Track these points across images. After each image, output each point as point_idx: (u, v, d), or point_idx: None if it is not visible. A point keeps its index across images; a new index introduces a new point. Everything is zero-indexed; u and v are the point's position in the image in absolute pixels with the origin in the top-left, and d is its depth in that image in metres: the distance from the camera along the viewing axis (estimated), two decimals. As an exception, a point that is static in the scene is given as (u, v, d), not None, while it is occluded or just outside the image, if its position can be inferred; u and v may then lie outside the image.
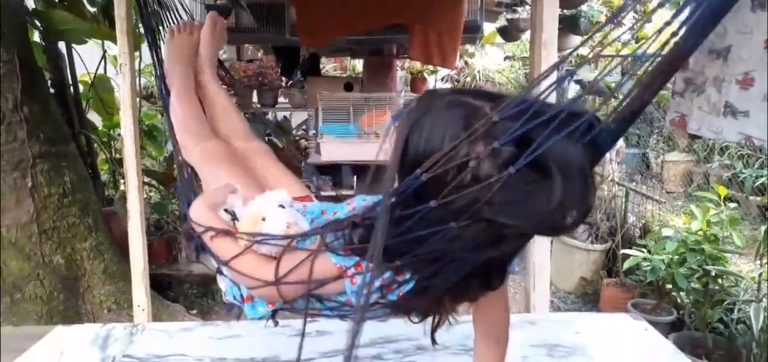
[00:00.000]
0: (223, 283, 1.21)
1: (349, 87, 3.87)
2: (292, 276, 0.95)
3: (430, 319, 1.03)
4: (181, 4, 1.98)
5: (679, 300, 3.53)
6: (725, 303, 3.20)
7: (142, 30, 3.75)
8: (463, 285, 0.90)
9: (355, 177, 3.80)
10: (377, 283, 0.88)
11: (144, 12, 1.83)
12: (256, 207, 1.07)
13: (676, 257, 3.18)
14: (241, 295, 1.16)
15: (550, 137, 0.72)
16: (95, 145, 3.71)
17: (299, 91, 4.70)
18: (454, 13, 3.19)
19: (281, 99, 5.20)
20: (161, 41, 1.78)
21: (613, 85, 0.88)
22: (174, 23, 1.82)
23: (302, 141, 5.49)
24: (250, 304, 1.14)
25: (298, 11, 3.19)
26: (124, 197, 2.51)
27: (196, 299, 3.91)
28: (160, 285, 3.56)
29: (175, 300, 3.54)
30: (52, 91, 3.24)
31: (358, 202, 1.15)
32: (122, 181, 3.65)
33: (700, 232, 3.17)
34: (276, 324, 1.23)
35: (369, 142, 3.57)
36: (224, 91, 1.70)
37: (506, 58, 6.19)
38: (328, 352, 1.68)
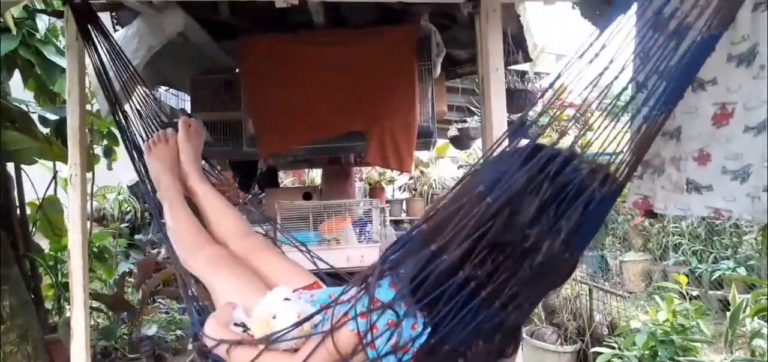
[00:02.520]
0: None
1: (308, 196, 3.86)
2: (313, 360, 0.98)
3: None
4: (157, 118, 1.98)
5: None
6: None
7: (96, 150, 3.73)
8: (478, 349, 0.95)
9: (337, 281, 3.69)
10: (398, 341, 0.91)
11: (126, 134, 1.81)
12: (262, 310, 1.11)
13: (647, 352, 3.14)
14: None
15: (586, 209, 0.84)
16: (40, 268, 3.51)
17: (257, 207, 4.65)
18: (408, 120, 3.27)
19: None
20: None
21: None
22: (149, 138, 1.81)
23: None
24: None
25: (255, 124, 3.21)
26: (68, 323, 2.33)
27: (146, 433, 3.60)
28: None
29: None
30: (-3, 213, 3.09)
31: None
32: (68, 307, 3.44)
33: (668, 323, 3.16)
34: None
35: (331, 249, 3.51)
36: (214, 190, 1.68)
37: (459, 166, 6.36)
38: None
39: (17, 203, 3.34)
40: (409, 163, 3.41)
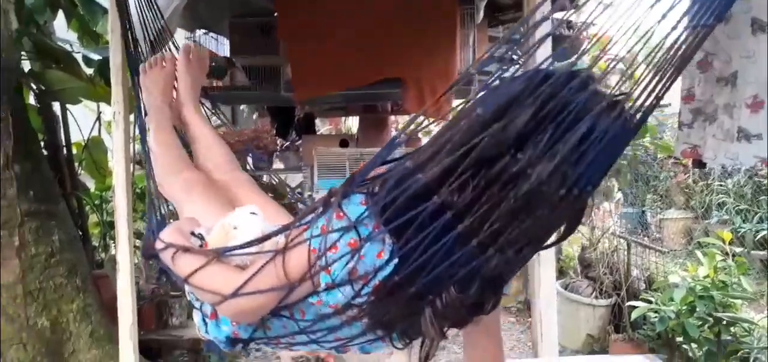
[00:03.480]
0: (196, 317, 1.14)
1: (344, 143, 3.85)
2: (253, 284, 0.88)
3: (416, 348, 0.94)
4: (162, 40, 1.96)
5: (691, 354, 3.40)
6: (740, 353, 3.09)
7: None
8: (449, 298, 0.81)
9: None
10: (358, 268, 0.80)
11: (130, 52, 1.80)
12: (226, 220, 1.02)
13: (685, 306, 3.08)
14: (207, 315, 1.08)
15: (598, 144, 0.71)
16: (86, 207, 3.63)
17: (294, 154, 4.68)
18: (447, 66, 3.21)
19: (276, 163, 5.19)
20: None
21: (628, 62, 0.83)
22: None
23: (298, 203, 5.43)
24: (214, 322, 1.06)
25: (293, 67, 3.21)
26: (114, 259, 2.41)
27: (187, 365, 3.74)
28: (149, 352, 3.41)
29: (166, 368, 3.39)
30: (44, 152, 3.19)
31: None
32: (113, 244, 3.56)
33: (708, 279, 3.09)
34: (247, 353, 1.15)
35: (366, 198, 3.51)
36: (208, 126, 1.65)
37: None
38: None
39: (64, 142, 3.44)
40: (448, 112, 3.36)
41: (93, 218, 3.82)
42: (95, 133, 3.66)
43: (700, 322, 3.04)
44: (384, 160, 0.87)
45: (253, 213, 1.02)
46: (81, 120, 3.66)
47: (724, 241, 3.25)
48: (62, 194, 3.11)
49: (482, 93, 0.81)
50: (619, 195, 5.16)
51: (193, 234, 1.04)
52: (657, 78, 0.77)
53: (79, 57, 3.14)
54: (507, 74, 0.84)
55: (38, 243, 2.66)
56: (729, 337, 3.09)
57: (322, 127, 6.25)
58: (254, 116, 5.03)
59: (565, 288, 4.24)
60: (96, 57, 3.09)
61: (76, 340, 2.72)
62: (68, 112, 3.47)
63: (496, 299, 0.87)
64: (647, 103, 0.77)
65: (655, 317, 3.27)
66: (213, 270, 0.95)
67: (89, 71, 3.13)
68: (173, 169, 1.42)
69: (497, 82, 0.82)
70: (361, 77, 3.17)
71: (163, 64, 1.65)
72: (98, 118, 3.67)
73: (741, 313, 3.21)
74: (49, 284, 2.67)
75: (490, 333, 0.99)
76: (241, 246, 0.94)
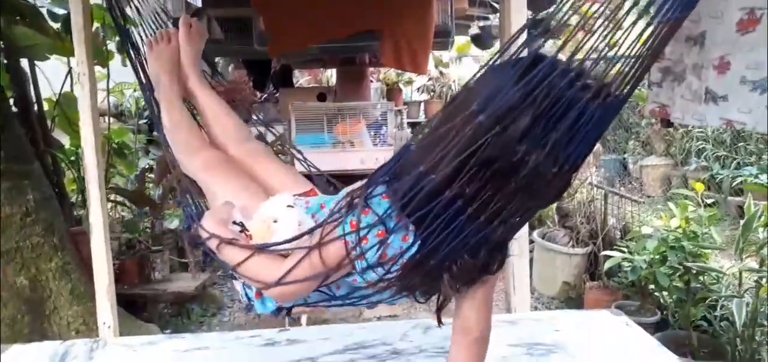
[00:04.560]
0: (238, 285, 1.26)
1: (322, 97, 3.83)
2: (296, 273, 0.99)
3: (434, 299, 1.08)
4: (159, 16, 1.93)
5: (662, 301, 3.51)
6: (708, 300, 3.19)
7: (110, 46, 3.71)
8: (463, 263, 0.96)
9: (331, 187, 3.74)
10: (387, 253, 0.93)
11: (122, 30, 1.76)
12: (265, 212, 1.12)
13: (657, 256, 3.16)
14: (253, 294, 1.20)
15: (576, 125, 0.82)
16: (62, 164, 3.59)
17: (273, 106, 4.64)
18: (424, 18, 3.16)
19: (254, 118, 5.14)
20: (144, 57, 1.70)
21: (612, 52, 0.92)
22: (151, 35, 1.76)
23: (279, 155, 5.43)
24: (260, 300, 1.18)
25: (265, 21, 3.14)
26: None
27: (171, 318, 3.80)
28: (133, 306, 3.45)
29: (149, 320, 3.43)
30: (14, 109, 3.14)
31: None
32: (91, 201, 3.54)
33: (680, 230, 3.16)
34: (291, 318, 1.25)
35: (345, 151, 3.52)
36: (214, 94, 1.63)
37: (481, 66, 6.18)
38: (299, 361, 1.62)
39: (34, 99, 3.38)
40: (425, 65, 3.33)
41: (69, 174, 3.79)
42: (67, 88, 3.59)
43: (671, 271, 3.13)
44: (396, 161, 0.97)
45: (290, 206, 1.11)
46: (51, 75, 3.59)
47: (697, 192, 3.31)
48: (36, 152, 3.08)
49: (480, 89, 0.89)
50: (598, 146, 5.20)
51: (234, 223, 1.13)
52: (634, 66, 0.89)
53: (44, 11, 3.06)
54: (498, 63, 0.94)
55: (12, 202, 2.64)
56: (698, 285, 3.18)
57: (301, 78, 6.19)
58: (230, 68, 4.95)
59: (543, 237, 4.31)
60: (61, 11, 3.00)
61: (56, 298, 2.74)
62: (37, 68, 3.40)
63: (501, 259, 1.01)
64: (627, 88, 0.89)
65: (628, 266, 3.35)
66: (257, 261, 1.05)
67: (56, 26, 3.06)
68: (190, 149, 1.46)
69: (491, 75, 0.91)
70: (336, 30, 3.11)
71: (168, 39, 1.64)
72: (69, 73, 3.59)
73: (711, 263, 3.29)
74: (27, 243, 2.68)
75: (483, 299, 1.10)
76: (282, 243, 1.04)
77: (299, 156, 1.72)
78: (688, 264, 3.05)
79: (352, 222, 0.94)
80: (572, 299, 4.18)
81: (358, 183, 1.05)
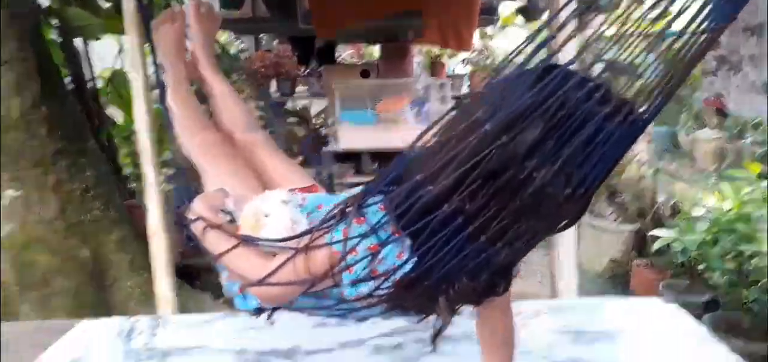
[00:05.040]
0: (222, 276, 1.20)
1: (365, 74, 3.83)
2: (279, 276, 0.94)
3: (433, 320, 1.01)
4: None
5: (712, 281, 3.43)
6: (761, 282, 3.10)
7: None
8: (462, 286, 0.88)
9: (375, 163, 3.78)
10: (379, 268, 0.86)
11: (142, 4, 1.79)
12: (258, 205, 1.06)
13: (709, 237, 3.08)
14: (235, 289, 1.14)
15: (592, 145, 0.73)
16: (116, 140, 3.73)
17: (317, 80, 4.67)
18: (470, -2, 3.12)
19: (299, 87, 5.20)
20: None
21: (638, 62, 0.82)
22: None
23: (322, 128, 5.49)
24: (242, 296, 1.12)
25: (311, 1, 3.16)
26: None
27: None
28: (188, 276, 3.58)
29: (204, 290, 3.55)
30: (70, 88, 3.26)
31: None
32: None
33: (733, 212, 3.07)
34: (272, 322, 1.20)
35: (387, 129, 3.53)
36: (224, 79, 1.64)
37: (528, 37, 6.02)
38: (348, 342, 1.66)
39: (88, 77, 3.50)
40: (470, 43, 3.30)
41: (123, 149, 3.93)
42: (118, 65, 3.70)
43: (722, 253, 3.05)
44: (399, 165, 0.89)
45: (285, 202, 1.05)
46: (104, 52, 3.71)
47: (751, 173, 3.20)
48: (91, 129, 3.20)
49: (487, 96, 0.81)
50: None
51: (224, 211, 1.08)
52: (663, 80, 0.79)
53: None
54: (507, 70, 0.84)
55: (72, 180, 2.77)
56: (751, 268, 3.10)
57: (344, 51, 6.18)
58: (275, 42, 5.00)
59: (590, 213, 4.25)
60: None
61: (116, 269, 2.89)
62: (88, 45, 3.51)
63: (507, 283, 0.94)
64: (653, 106, 0.79)
65: (678, 246, 3.28)
66: (241, 254, 1.00)
67: (107, 5, 3.14)
68: (191, 129, 1.43)
69: (501, 81, 0.82)
70: (380, 8, 3.11)
71: (173, 19, 1.63)
72: (120, 50, 3.70)
73: (764, 247, 3.19)
74: (87, 217, 2.81)
75: (502, 308, 1.05)
76: (269, 240, 0.99)
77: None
78: (741, 248, 2.97)
79: (344, 229, 0.87)
80: (619, 276, 4.13)
81: (359, 188, 0.99)
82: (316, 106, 5.65)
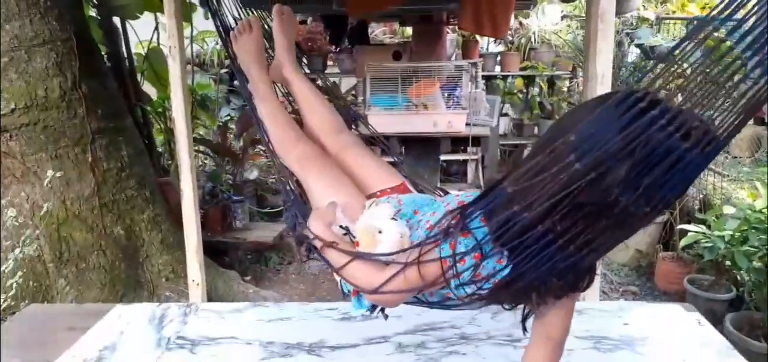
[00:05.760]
0: (337, 278, 1.31)
1: (397, 56, 3.82)
2: (393, 285, 1.06)
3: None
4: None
5: (738, 278, 3.40)
6: (789, 284, 3.06)
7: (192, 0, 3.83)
8: (553, 281, 0.99)
9: (402, 147, 3.80)
10: (481, 273, 0.98)
11: (216, 16, 1.83)
12: (369, 221, 1.18)
13: (737, 234, 3.05)
14: (349, 290, 1.26)
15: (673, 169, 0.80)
16: (151, 116, 3.81)
17: (348, 57, 4.68)
18: (508, -17, 3.08)
19: (330, 64, 5.22)
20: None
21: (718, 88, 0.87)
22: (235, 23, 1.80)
23: (352, 107, 5.50)
24: (357, 298, 1.23)
25: (344, -20, 3.15)
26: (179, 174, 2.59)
27: (250, 265, 4.04)
28: (215, 252, 3.69)
29: (230, 267, 3.66)
30: (108, 64, 3.33)
31: (450, 200, 1.22)
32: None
33: (764, 211, 3.02)
34: (386, 317, 1.32)
35: (417, 114, 3.54)
36: (308, 82, 1.68)
37: (563, 16, 5.91)
38: (373, 338, 1.72)
39: (125, 55, 3.57)
40: (505, 30, 3.26)
41: (157, 125, 4.02)
42: (154, 42, 3.76)
43: (751, 252, 3.01)
44: (490, 198, 0.98)
45: (393, 218, 1.17)
46: (140, 26, 3.76)
47: (786, 171, 3.13)
48: (127, 106, 3.27)
49: (578, 137, 0.85)
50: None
51: (340, 226, 1.21)
52: (737, 116, 0.84)
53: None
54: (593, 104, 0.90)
55: (109, 158, 2.85)
56: (779, 269, 3.06)
57: (377, 28, 6.15)
58: (309, 20, 5.01)
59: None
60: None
61: (148, 247, 2.98)
62: (128, 22, 3.57)
63: (590, 279, 1.04)
64: (726, 135, 0.85)
65: (706, 243, 3.24)
66: (358, 266, 1.12)
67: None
68: (287, 142, 1.52)
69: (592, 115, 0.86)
70: (415, -5, 3.09)
71: (250, 28, 1.68)
72: (157, 27, 3.76)
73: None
74: (122, 196, 2.90)
75: (567, 307, 1.12)
76: (385, 254, 1.11)
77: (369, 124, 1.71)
78: (771, 248, 2.93)
79: (452, 243, 0.98)
80: (643, 267, 4.12)
81: (456, 201, 1.12)
82: (346, 83, 5.67)
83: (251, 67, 1.65)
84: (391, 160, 1.77)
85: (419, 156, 3.91)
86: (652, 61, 4.34)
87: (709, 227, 3.28)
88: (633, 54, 4.77)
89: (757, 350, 2.81)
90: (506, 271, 0.96)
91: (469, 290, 1.01)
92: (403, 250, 1.08)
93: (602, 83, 2.21)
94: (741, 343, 2.82)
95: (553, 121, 1.00)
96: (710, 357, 1.64)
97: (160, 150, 3.94)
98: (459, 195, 1.22)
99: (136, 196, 2.95)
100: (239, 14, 1.92)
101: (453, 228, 1.00)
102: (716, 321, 3.32)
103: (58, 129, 2.70)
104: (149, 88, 3.90)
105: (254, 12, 1.95)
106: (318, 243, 1.17)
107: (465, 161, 5.27)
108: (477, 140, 3.64)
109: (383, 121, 3.52)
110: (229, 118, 4.55)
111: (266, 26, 1.86)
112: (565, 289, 1.03)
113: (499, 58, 5.67)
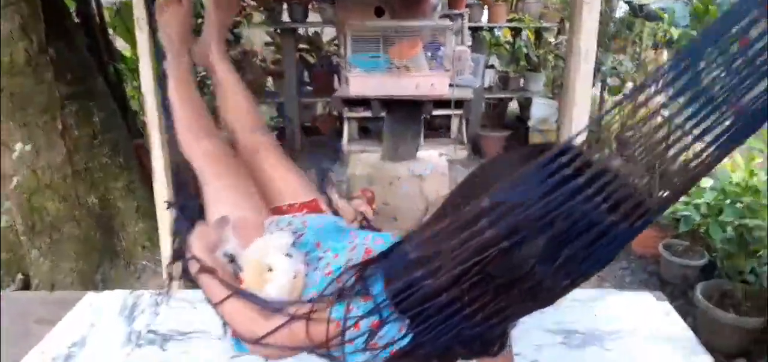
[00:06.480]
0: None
1: (380, 12, 3.69)
2: (275, 338, 0.93)
3: None
4: None
5: (712, 244, 3.44)
6: (760, 254, 3.11)
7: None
8: (455, 352, 0.90)
9: (384, 111, 3.74)
10: (378, 342, 0.86)
11: None
12: (260, 255, 1.03)
13: (713, 204, 3.07)
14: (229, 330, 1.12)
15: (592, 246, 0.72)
16: (124, 74, 3.69)
17: (330, 6, 4.54)
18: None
19: (311, 11, 5.07)
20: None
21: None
22: None
23: (334, 57, 5.38)
24: (236, 339, 1.09)
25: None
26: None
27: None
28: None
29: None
30: (77, 20, 3.20)
31: (359, 239, 1.10)
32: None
33: (743, 183, 3.04)
34: None
35: (399, 76, 3.46)
36: (234, 72, 1.56)
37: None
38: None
39: (95, 10, 3.42)
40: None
41: (131, 83, 3.90)
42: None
43: (726, 223, 3.05)
44: (399, 257, 0.88)
45: (289, 255, 1.03)
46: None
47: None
48: (98, 65, 3.16)
49: (492, 198, 0.76)
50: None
51: (225, 254, 1.06)
52: (673, 189, 0.79)
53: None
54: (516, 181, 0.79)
55: (80, 125, 2.77)
56: (751, 239, 3.10)
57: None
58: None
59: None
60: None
61: (123, 215, 2.94)
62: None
63: (501, 344, 0.96)
64: (660, 208, 0.78)
65: (683, 210, 3.27)
66: (238, 307, 0.98)
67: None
68: (194, 131, 1.37)
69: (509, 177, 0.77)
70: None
71: (179, 1, 1.52)
72: (129, -20, 3.60)
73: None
74: (95, 163, 2.83)
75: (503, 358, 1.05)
76: (269, 301, 0.97)
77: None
78: (744, 221, 2.96)
79: (349, 305, 0.88)
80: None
81: (365, 244, 1.01)
82: (328, 33, 5.52)
83: (172, 43, 1.50)
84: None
85: (402, 119, 3.85)
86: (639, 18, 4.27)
87: (687, 194, 3.31)
88: (622, 9, 4.68)
89: (726, 321, 2.88)
90: (405, 341, 0.86)
91: (362, 357, 0.89)
92: (291, 303, 0.95)
93: (586, 60, 2.16)
94: (710, 313, 2.89)
95: (470, 172, 0.89)
96: (677, 355, 1.67)
97: (134, 110, 3.83)
98: (369, 237, 1.09)
99: (109, 164, 2.89)
100: None
101: (348, 291, 0.89)
102: (688, 287, 3.40)
103: (25, 96, 2.60)
104: (122, 44, 3.77)
105: None
106: (193, 267, 1.02)
107: (449, 115, 5.22)
108: (460, 103, 3.57)
109: (364, 83, 3.45)
110: (204, 72, 4.42)
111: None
112: (471, 354, 0.94)
113: (486, 9, 5.53)
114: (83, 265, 2.75)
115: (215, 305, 1.00)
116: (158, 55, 1.60)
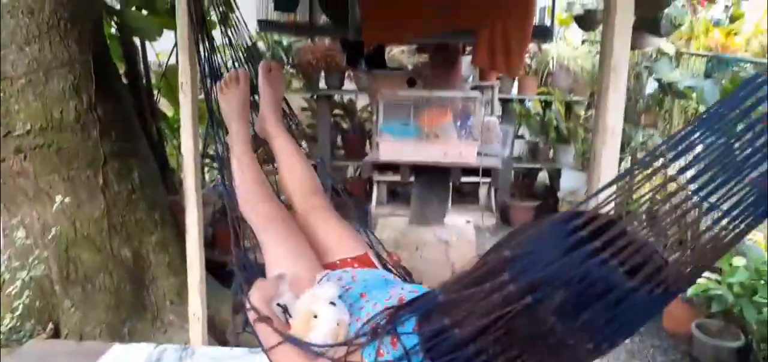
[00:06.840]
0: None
1: (412, 82, 3.81)
2: None
3: None
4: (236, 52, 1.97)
5: (748, 326, 3.33)
6: (799, 338, 3.00)
7: (212, 17, 3.86)
8: None
9: (412, 176, 3.80)
10: None
11: (201, 60, 1.83)
12: (306, 304, 1.13)
13: (748, 283, 3.00)
14: None
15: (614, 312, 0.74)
16: (165, 133, 3.85)
17: (365, 74, 4.70)
18: (525, 21, 3.07)
19: (348, 81, 5.25)
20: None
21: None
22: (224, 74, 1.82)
23: (367, 123, 5.52)
24: None
25: (364, 13, 3.16)
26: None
27: (257, 283, 4.02)
28: (224, 271, 3.69)
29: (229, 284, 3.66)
30: (124, 81, 3.37)
31: (404, 290, 1.17)
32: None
33: (775, 263, 2.97)
34: None
35: (429, 143, 3.53)
36: (291, 140, 1.69)
37: (584, 41, 5.84)
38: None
39: (143, 73, 3.61)
40: (519, 67, 3.26)
41: (171, 142, 4.05)
42: (173, 60, 3.79)
43: (762, 303, 2.97)
44: (429, 302, 0.95)
45: (333, 304, 1.11)
46: (161, 42, 3.80)
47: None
48: (142, 125, 3.31)
49: (516, 257, 0.82)
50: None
51: (279, 304, 1.16)
52: (697, 261, 0.81)
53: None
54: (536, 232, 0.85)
55: (120, 181, 2.89)
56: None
57: (396, 47, 6.15)
58: (327, 40, 5.04)
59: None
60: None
61: (155, 269, 3.01)
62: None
63: None
64: (684, 282, 0.80)
65: (715, 290, 3.19)
66: (286, 352, 1.08)
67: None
68: (255, 197, 1.50)
69: (529, 247, 0.82)
70: (431, 27, 3.09)
71: (237, 80, 1.70)
72: (176, 45, 3.79)
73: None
74: (131, 218, 2.93)
75: None
76: (314, 345, 1.06)
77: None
78: (780, 303, 2.88)
79: (380, 350, 0.94)
80: (652, 307, 4.04)
81: (403, 293, 1.08)
82: (363, 100, 5.68)
83: (232, 121, 1.65)
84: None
85: (430, 184, 3.91)
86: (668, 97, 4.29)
87: (720, 272, 3.22)
88: (651, 87, 4.72)
89: (763, 408, 2.76)
90: None
91: None
92: (332, 345, 1.03)
93: (613, 136, 2.18)
94: (746, 400, 2.78)
95: (501, 238, 0.93)
96: None
97: (173, 167, 3.97)
98: (407, 288, 1.17)
99: (145, 219, 2.98)
100: (233, 63, 1.92)
101: (381, 330, 0.95)
102: (723, 370, 3.28)
103: (71, 151, 2.73)
104: (164, 103, 3.94)
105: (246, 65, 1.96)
106: (252, 316, 1.12)
107: (477, 183, 5.25)
108: (488, 172, 3.61)
109: (394, 149, 3.53)
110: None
111: (254, 81, 1.86)
112: None
113: (516, 82, 5.63)
114: (112, 317, 2.81)
115: (267, 350, 1.09)
116: (213, 123, 1.73)
